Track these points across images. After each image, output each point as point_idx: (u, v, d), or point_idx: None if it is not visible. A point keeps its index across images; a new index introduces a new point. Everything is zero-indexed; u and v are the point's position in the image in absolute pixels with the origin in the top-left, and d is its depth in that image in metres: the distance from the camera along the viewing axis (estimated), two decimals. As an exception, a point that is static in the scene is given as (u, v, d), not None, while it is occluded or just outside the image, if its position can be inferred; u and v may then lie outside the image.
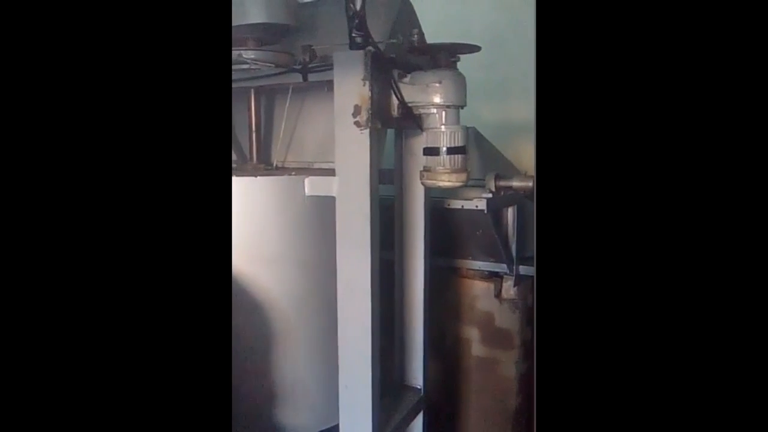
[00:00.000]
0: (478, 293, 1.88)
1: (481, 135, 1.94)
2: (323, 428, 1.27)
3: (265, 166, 1.38)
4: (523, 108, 2.41)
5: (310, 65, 1.25)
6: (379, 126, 1.13)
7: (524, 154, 2.41)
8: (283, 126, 1.38)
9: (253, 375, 1.18)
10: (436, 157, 1.19)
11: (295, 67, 1.26)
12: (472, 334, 1.91)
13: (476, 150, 1.88)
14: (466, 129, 1.21)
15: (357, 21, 1.10)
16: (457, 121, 1.19)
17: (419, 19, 1.44)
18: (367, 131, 1.10)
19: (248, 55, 1.28)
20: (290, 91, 1.34)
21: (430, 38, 1.34)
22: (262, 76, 1.30)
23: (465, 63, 1.29)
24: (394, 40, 1.25)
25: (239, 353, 1.05)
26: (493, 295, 1.86)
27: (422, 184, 1.23)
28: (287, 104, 1.35)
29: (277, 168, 1.38)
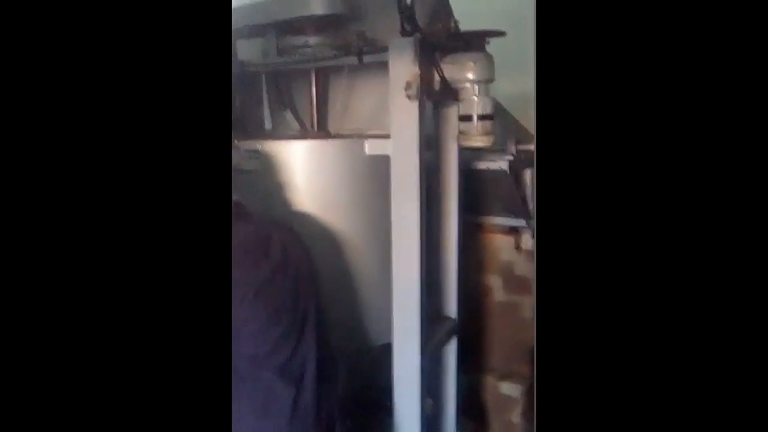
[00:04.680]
0: (500, 245, 2.22)
1: (501, 105, 2.25)
2: (381, 343, 1.62)
3: (325, 133, 1.71)
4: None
5: (363, 49, 1.57)
6: (426, 98, 1.46)
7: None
8: (339, 101, 1.71)
9: (329, 299, 1.51)
10: (469, 123, 1.52)
11: (352, 50, 1.58)
12: (495, 282, 2.25)
13: (497, 118, 2.20)
14: (494, 100, 1.53)
15: (408, 13, 1.42)
16: (488, 94, 1.52)
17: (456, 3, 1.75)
18: (416, 102, 1.42)
19: (313, 41, 1.61)
20: (346, 71, 1.67)
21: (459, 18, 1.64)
22: (323, 59, 1.62)
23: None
24: (434, 27, 1.57)
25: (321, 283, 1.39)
26: (513, 247, 2.20)
27: (459, 144, 1.56)
28: (344, 82, 1.67)
29: (335, 135, 1.71)
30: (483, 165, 1.94)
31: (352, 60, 1.58)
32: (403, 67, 1.42)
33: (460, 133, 1.53)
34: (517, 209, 2.12)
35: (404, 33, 1.43)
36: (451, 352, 1.83)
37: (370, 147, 1.51)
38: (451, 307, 1.80)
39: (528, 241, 2.17)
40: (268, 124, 1.94)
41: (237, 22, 1.71)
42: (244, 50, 1.82)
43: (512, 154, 1.95)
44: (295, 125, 1.80)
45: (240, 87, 1.87)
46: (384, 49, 1.46)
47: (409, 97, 1.43)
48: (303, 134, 1.75)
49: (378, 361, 1.87)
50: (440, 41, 1.51)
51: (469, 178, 1.98)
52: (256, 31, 1.74)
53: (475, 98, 1.50)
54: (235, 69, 1.73)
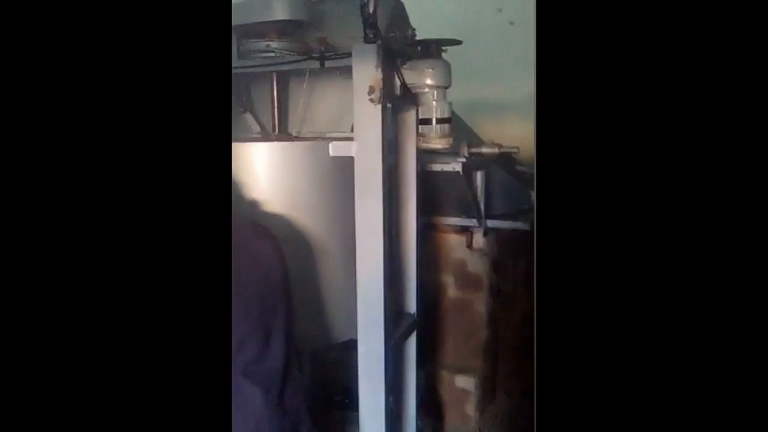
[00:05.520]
0: (453, 245, 2.33)
1: (452, 110, 2.37)
2: (343, 340, 1.68)
3: (287, 136, 1.76)
4: (486, 89, 2.89)
5: (325, 54, 1.64)
6: (388, 102, 1.53)
7: (486, 127, 2.88)
8: (300, 103, 1.76)
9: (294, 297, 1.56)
10: (428, 126, 1.61)
11: (314, 55, 1.64)
12: (448, 279, 2.36)
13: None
14: (450, 104, 1.63)
15: (371, 21, 1.49)
16: (444, 98, 1.62)
17: (409, 12, 1.85)
18: (379, 106, 1.50)
19: (275, 45, 1.65)
20: (308, 74, 1.72)
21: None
22: (284, 63, 1.67)
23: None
24: (393, 34, 1.66)
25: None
26: (465, 246, 2.31)
27: (419, 146, 1.65)
28: (305, 86, 1.73)
29: (295, 137, 1.76)
30: (437, 167, 2.03)
31: (313, 64, 1.64)
32: (367, 72, 1.49)
33: (420, 135, 1.62)
34: (469, 209, 2.24)
35: (367, 40, 1.51)
36: (410, 347, 1.91)
37: (334, 149, 1.57)
38: (411, 303, 1.89)
39: (479, 240, 2.29)
40: (225, 127, 1.96)
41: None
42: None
43: (465, 156, 2.06)
44: (256, 127, 1.83)
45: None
46: (345, 54, 1.53)
47: (372, 101, 1.50)
48: (265, 136, 1.79)
49: (340, 357, 1.93)
50: (400, 48, 1.59)
51: (423, 179, 2.08)
52: (216, 34, 1.77)
53: (434, 102, 1.60)
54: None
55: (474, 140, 2.20)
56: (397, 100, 1.64)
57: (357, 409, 1.69)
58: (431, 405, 2.28)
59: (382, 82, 1.49)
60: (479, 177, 2.20)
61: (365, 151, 1.53)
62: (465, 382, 2.33)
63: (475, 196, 2.21)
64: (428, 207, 2.24)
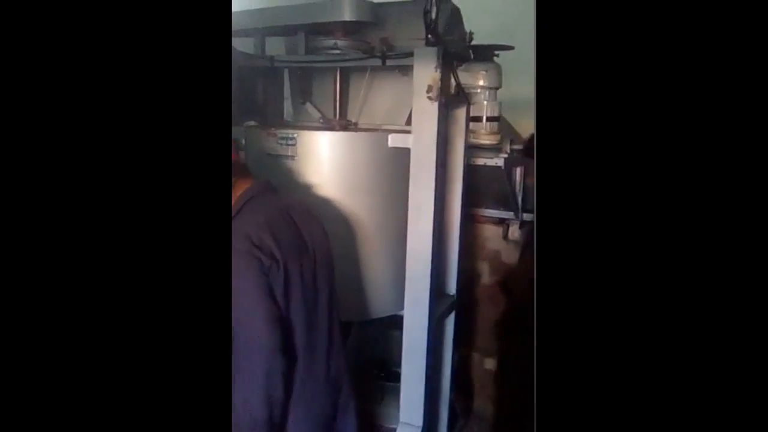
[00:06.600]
0: (489, 235, 2.50)
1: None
2: (391, 313, 1.86)
3: (348, 124, 1.95)
4: (519, 88, 3.04)
5: (387, 53, 1.81)
6: (443, 100, 1.71)
7: (519, 123, 3.02)
8: (361, 96, 1.94)
9: (346, 273, 1.75)
10: (479, 123, 1.78)
11: (376, 54, 1.82)
12: (483, 267, 2.53)
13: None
14: (500, 104, 1.80)
15: (432, 26, 1.66)
16: (495, 99, 1.78)
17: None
18: (436, 104, 1.67)
19: (341, 43, 1.84)
20: (369, 70, 1.90)
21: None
22: (349, 60, 1.85)
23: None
24: (450, 37, 1.83)
25: (337, 257, 1.60)
26: (501, 237, 2.48)
27: (469, 142, 1.82)
28: (365, 81, 1.91)
29: (359, 128, 1.95)
30: (480, 161, 2.20)
31: (375, 62, 1.82)
32: (426, 73, 1.66)
33: (471, 132, 1.79)
34: (507, 202, 2.40)
35: (428, 43, 1.68)
36: (449, 326, 2.09)
37: (393, 140, 1.76)
38: (451, 285, 2.07)
39: (515, 232, 2.45)
40: (287, 115, 2.16)
41: (267, 21, 1.94)
42: (270, 47, 2.04)
43: (507, 152, 2.22)
44: (316, 116, 2.02)
45: (264, 79, 2.08)
46: (406, 54, 1.71)
47: (430, 98, 1.67)
48: (327, 125, 1.98)
49: (381, 331, 2.12)
50: (457, 51, 1.76)
51: (467, 172, 2.25)
52: (285, 30, 1.95)
53: (485, 102, 1.76)
54: (264, 63, 1.95)
55: (514, 137, 2.36)
56: (451, 99, 1.81)
57: (393, 381, 1.87)
58: (462, 383, 2.46)
59: (440, 82, 1.66)
60: (518, 172, 2.37)
61: (421, 143, 1.71)
62: (493, 365, 2.50)
63: (513, 190, 2.38)
64: (469, 198, 2.41)
